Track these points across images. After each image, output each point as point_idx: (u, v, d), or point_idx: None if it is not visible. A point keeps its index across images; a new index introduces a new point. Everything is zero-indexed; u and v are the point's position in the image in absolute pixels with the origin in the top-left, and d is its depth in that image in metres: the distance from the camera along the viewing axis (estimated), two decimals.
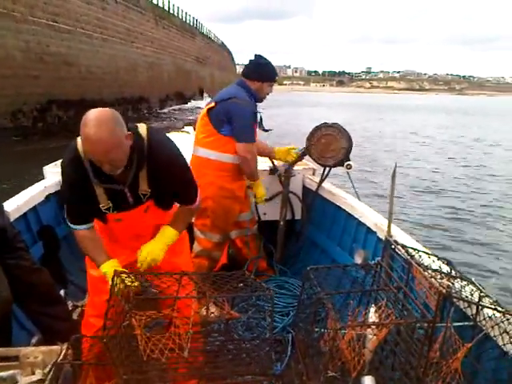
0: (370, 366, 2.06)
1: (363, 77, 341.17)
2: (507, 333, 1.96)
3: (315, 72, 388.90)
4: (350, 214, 3.70)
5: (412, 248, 2.45)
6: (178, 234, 2.46)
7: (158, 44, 38.20)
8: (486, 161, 17.20)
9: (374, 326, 2.00)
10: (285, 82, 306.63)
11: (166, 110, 36.23)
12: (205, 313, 2.20)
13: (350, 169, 3.95)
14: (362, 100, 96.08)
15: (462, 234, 8.18)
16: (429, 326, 1.94)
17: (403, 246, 2.40)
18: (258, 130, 3.66)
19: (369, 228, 3.44)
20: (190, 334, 2.11)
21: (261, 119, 3.72)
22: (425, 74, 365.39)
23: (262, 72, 3.65)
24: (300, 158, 4.09)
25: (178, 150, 2.40)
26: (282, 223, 4.24)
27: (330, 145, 3.87)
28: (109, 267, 2.30)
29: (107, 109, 2.11)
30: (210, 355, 2.20)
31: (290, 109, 48.23)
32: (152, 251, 2.38)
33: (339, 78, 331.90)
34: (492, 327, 2.03)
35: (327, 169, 4.07)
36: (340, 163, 3.91)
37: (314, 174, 4.38)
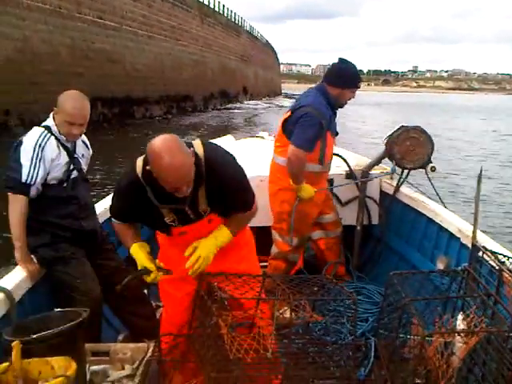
0: (457, 374, 2.01)
1: (409, 76, 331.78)
2: None
3: (360, 71, 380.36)
4: (430, 218, 3.60)
5: (502, 254, 2.35)
6: (231, 236, 2.44)
7: (203, 42, 38.14)
8: None
9: (463, 334, 1.95)
10: None
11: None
12: (282, 315, 2.22)
13: (434, 171, 3.86)
14: (409, 99, 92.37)
15: None
16: None
17: (492, 253, 2.31)
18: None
19: (452, 234, 3.33)
20: (274, 335, 2.15)
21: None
22: (474, 73, 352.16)
23: (342, 78, 3.56)
24: (381, 158, 4.04)
25: (234, 161, 2.41)
26: (358, 228, 4.20)
27: (414, 148, 3.80)
28: (136, 248, 2.40)
29: (169, 135, 2.16)
30: (291, 357, 2.22)
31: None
32: (204, 249, 2.36)
33: (385, 77, 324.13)
34: None
35: (405, 172, 3.99)
36: (422, 166, 3.83)
37: (391, 177, 4.29)
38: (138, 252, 2.39)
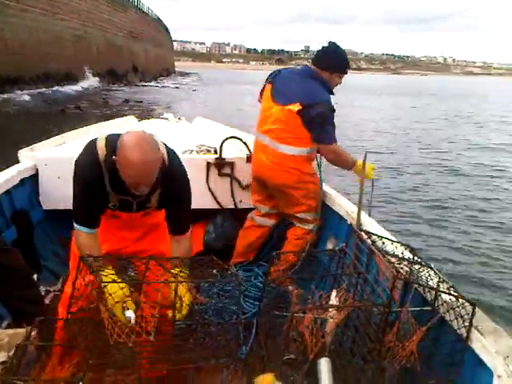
0: (329, 348, 2.12)
1: (302, 55, 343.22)
2: (461, 317, 2.02)
3: (254, 50, 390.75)
4: (323, 201, 3.74)
5: (376, 235, 2.50)
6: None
7: (86, 16, 35.73)
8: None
9: (332, 309, 2.06)
10: (224, 60, 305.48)
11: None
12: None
13: None
14: None
15: (430, 222, 8.30)
16: (386, 310, 2.00)
17: (367, 233, 2.45)
18: None
19: (341, 216, 3.49)
20: (156, 317, 2.15)
21: None
22: (361, 53, 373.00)
23: (334, 62, 3.55)
24: None
25: (187, 178, 2.47)
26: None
27: None
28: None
29: (143, 131, 2.16)
30: (177, 339, 2.24)
31: (232, 86, 48.02)
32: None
33: (278, 57, 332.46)
34: (448, 311, 2.08)
35: None
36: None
37: None
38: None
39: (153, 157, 2.08)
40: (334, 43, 3.62)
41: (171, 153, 2.39)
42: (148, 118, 6.50)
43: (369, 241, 2.40)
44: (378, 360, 2.02)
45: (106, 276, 2.10)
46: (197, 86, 46.67)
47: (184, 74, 76.21)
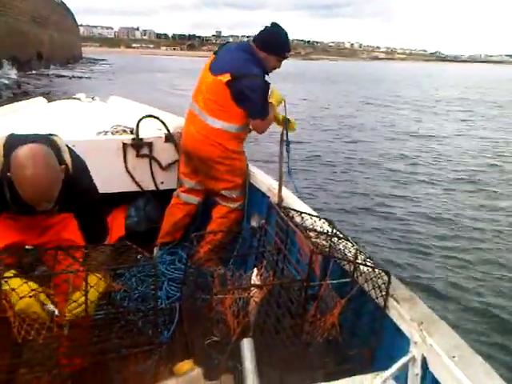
0: (252, 328, 2.10)
1: (214, 41, 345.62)
2: (379, 287, 2.05)
3: (165, 35, 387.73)
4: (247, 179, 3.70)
5: (295, 210, 2.49)
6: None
7: None
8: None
9: (253, 289, 2.03)
10: (134, 45, 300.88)
11: None
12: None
13: (249, 132, 3.94)
14: None
15: (346, 194, 8.60)
16: (305, 285, 2.00)
17: (285, 209, 2.44)
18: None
19: (263, 193, 3.47)
20: (70, 310, 2.05)
21: None
22: None
23: (273, 44, 3.45)
24: None
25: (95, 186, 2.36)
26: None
27: None
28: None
29: (39, 145, 1.97)
30: (94, 330, 2.15)
31: (150, 75, 47.38)
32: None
33: (190, 42, 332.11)
34: (366, 282, 2.11)
35: None
36: None
37: None
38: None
39: (48, 172, 1.93)
40: (276, 24, 3.54)
41: (78, 164, 2.24)
42: (58, 99, 6.16)
43: (287, 217, 2.39)
44: (302, 335, 2.03)
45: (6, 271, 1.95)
46: (111, 75, 44.83)
47: (93, 61, 72.82)
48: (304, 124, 16.44)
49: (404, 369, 1.83)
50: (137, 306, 2.65)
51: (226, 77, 3.34)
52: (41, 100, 5.84)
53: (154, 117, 4.16)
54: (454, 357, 1.61)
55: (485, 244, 6.61)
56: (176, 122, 4.29)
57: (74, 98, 5.82)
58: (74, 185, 2.16)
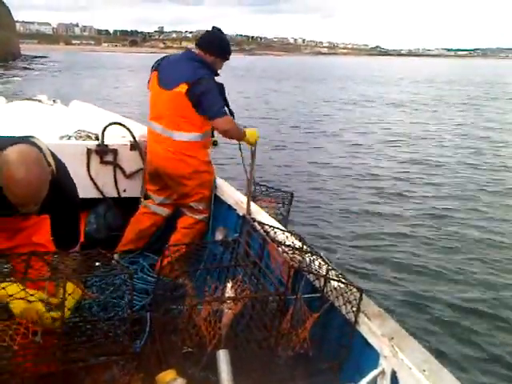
0: (226, 340, 2.13)
1: (157, 37, 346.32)
2: (349, 302, 2.13)
3: (106, 31, 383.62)
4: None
5: (268, 225, 2.55)
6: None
7: None
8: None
9: (229, 301, 2.07)
10: (74, 42, 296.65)
11: None
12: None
13: (216, 145, 3.96)
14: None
15: (316, 207, 8.72)
16: (280, 299, 2.05)
17: (260, 223, 2.49)
18: None
19: (230, 205, 3.51)
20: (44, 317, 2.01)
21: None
22: None
23: (218, 47, 3.54)
24: None
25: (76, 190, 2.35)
26: (143, 200, 4.16)
27: None
28: None
29: (28, 146, 1.94)
30: (64, 338, 2.11)
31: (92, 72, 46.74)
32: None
33: (132, 38, 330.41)
34: (337, 297, 2.19)
35: None
36: None
37: None
38: None
39: (39, 173, 1.91)
40: (218, 29, 3.66)
41: (60, 166, 2.23)
42: (19, 99, 5.98)
43: (262, 231, 2.44)
44: (273, 347, 2.08)
45: None
46: (57, 73, 43.60)
47: (32, 58, 70.60)
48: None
49: (373, 382, 1.91)
50: (99, 314, 2.62)
51: (184, 87, 3.38)
52: (0, 99, 5.66)
53: (121, 124, 4.12)
54: (424, 370, 1.71)
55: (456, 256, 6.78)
56: (141, 130, 4.27)
57: (35, 100, 5.67)
58: (59, 187, 2.13)
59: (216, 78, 3.53)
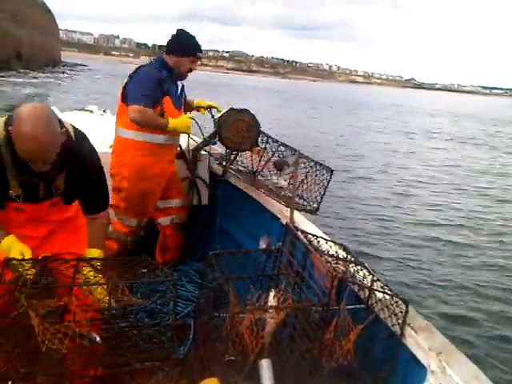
0: (269, 349, 2.12)
1: None
2: (395, 314, 2.09)
3: (145, 45, 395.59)
4: (255, 199, 3.74)
5: (311, 234, 2.53)
6: (102, 253, 2.42)
7: None
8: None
9: (271, 310, 2.06)
10: (113, 53, 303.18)
11: None
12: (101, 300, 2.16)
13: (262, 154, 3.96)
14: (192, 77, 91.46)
15: (362, 222, 8.60)
16: (323, 309, 2.03)
17: (303, 232, 2.47)
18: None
19: (273, 214, 3.50)
20: (90, 321, 2.07)
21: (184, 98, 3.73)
22: (252, 56, 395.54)
23: (179, 45, 3.53)
24: (210, 138, 4.04)
25: (98, 155, 2.42)
26: (188, 208, 4.22)
27: (241, 130, 3.84)
28: (9, 242, 2.19)
29: (41, 104, 2.05)
30: (110, 343, 2.16)
31: None
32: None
33: None
34: (382, 309, 2.15)
35: (234, 153, 4.04)
36: (249, 148, 3.89)
37: (222, 159, 4.35)
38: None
39: (48, 130, 1.99)
40: (181, 29, 3.65)
41: (79, 132, 2.32)
42: (71, 110, 6.18)
43: (305, 240, 2.43)
44: (316, 358, 2.05)
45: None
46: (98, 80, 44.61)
47: (73, 66, 72.88)
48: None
49: None
50: (143, 320, 2.66)
51: None
52: (53, 109, 5.85)
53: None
54: None
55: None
56: (186, 140, 4.35)
57: (86, 110, 5.85)
58: (77, 153, 2.22)
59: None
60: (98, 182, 2.44)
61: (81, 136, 2.31)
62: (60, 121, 2.16)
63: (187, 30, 3.62)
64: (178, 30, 3.62)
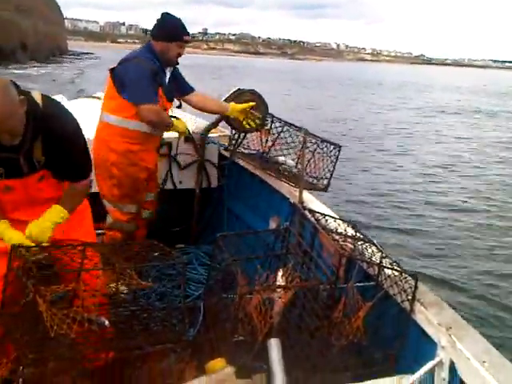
0: (278, 328, 2.12)
1: (200, 38, 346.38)
2: (404, 291, 2.06)
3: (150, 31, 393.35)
4: (264, 180, 3.71)
5: (319, 213, 2.51)
6: (66, 213, 2.34)
7: None
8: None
9: (279, 289, 2.05)
10: (119, 40, 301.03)
11: None
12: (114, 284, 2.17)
13: (269, 134, 3.91)
14: (199, 61, 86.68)
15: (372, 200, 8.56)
16: (331, 287, 2.02)
17: (311, 211, 2.45)
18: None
19: (283, 194, 3.48)
20: (98, 306, 2.08)
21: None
22: (259, 38, 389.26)
23: (166, 30, 3.40)
24: (218, 121, 3.99)
25: (74, 118, 2.32)
26: (197, 191, 4.21)
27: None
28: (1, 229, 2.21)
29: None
30: (120, 326, 2.18)
31: None
32: (36, 229, 2.25)
33: None
34: (391, 286, 2.13)
35: (241, 136, 4.00)
36: (257, 129, 3.83)
37: (230, 140, 4.32)
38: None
39: (3, 102, 1.95)
40: (166, 13, 3.51)
41: (48, 99, 2.25)
42: (80, 97, 6.19)
43: (313, 219, 2.40)
44: (326, 336, 2.04)
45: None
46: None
47: (79, 55, 72.07)
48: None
49: (430, 373, 1.84)
50: (155, 303, 2.68)
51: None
52: (61, 97, 5.86)
53: (175, 117, 4.17)
54: (484, 362, 1.63)
55: None
56: (195, 123, 4.32)
57: (94, 97, 5.84)
58: (46, 120, 2.16)
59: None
60: (75, 147, 2.33)
61: (50, 103, 2.24)
62: (20, 90, 2.10)
63: (170, 13, 3.49)
64: (162, 14, 3.48)
